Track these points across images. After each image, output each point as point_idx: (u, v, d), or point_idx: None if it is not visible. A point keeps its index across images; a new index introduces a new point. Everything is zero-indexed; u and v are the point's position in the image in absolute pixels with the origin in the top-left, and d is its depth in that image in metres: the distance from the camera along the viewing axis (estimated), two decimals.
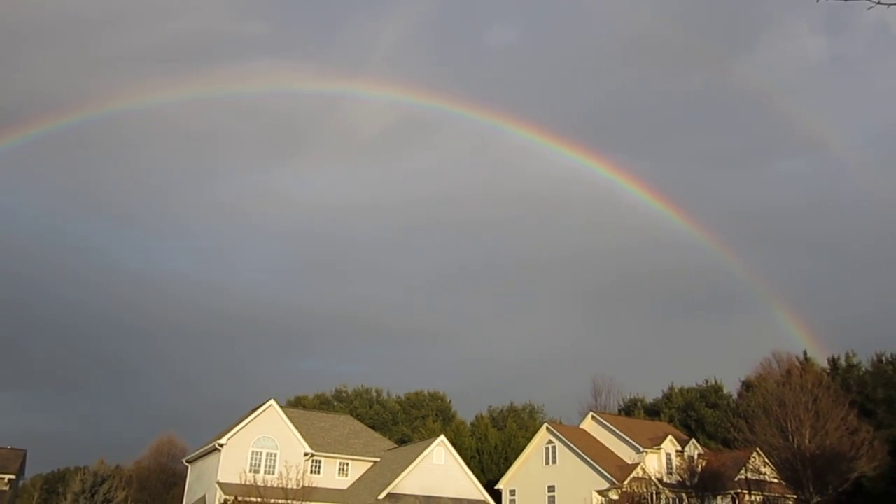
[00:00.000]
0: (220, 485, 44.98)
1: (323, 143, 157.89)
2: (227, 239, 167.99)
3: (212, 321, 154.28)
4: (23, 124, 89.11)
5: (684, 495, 47.82)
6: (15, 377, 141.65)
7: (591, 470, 51.52)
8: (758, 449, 47.93)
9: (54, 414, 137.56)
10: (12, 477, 45.55)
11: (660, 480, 49.26)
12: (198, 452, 52.72)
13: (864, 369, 63.41)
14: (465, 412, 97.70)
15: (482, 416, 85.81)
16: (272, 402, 49.38)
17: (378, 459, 52.51)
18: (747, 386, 70.64)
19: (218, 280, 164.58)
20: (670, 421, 70.82)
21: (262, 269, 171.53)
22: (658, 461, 52.35)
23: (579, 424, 60.00)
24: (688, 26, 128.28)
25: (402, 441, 71.14)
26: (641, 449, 52.60)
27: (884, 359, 61.86)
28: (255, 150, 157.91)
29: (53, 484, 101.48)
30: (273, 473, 46.01)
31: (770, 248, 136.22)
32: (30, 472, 64.66)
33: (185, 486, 55.91)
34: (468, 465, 51.98)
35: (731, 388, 77.39)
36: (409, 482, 46.32)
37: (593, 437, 56.71)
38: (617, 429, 55.87)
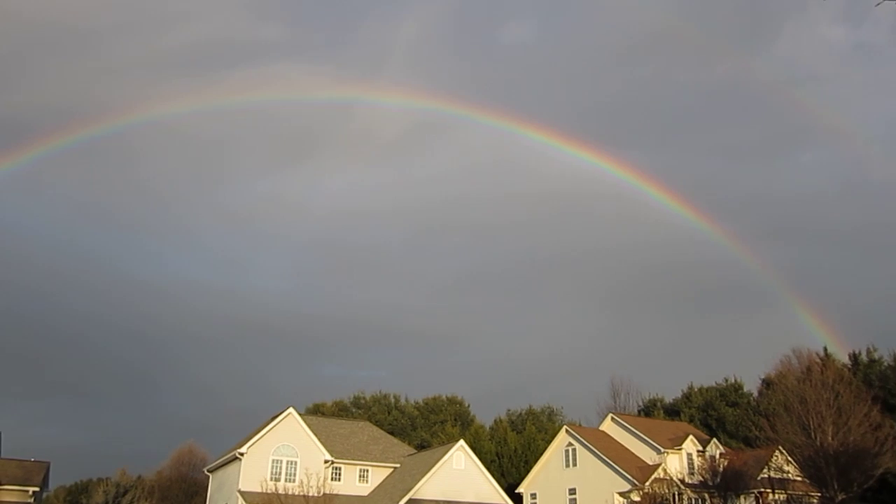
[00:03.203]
0: (242, 493, 45.15)
1: (339, 148, 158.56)
2: (243, 246, 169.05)
3: (229, 329, 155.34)
4: (37, 139, 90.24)
5: (707, 495, 47.47)
6: (37, 389, 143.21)
7: (611, 471, 51.27)
8: (780, 447, 47.52)
9: (75, 425, 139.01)
10: (36, 489, 45.89)
11: (681, 481, 48.95)
12: (218, 462, 52.95)
13: (885, 364, 62.75)
14: (484, 416, 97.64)
15: (501, 420, 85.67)
16: (291, 409, 49.53)
17: (398, 465, 52.53)
18: (767, 383, 69.99)
19: (234, 288, 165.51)
20: (690, 421, 70.39)
21: (278, 276, 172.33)
22: (679, 461, 52.03)
23: (599, 426, 59.76)
24: (708, 18, 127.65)
25: (421, 446, 71.11)
26: (662, 449, 52.32)
27: None
28: (270, 157, 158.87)
29: (77, 495, 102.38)
30: (294, 481, 46.13)
31: (791, 241, 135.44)
32: (53, 484, 65.37)
33: (206, 495, 56.16)
34: (488, 469, 51.89)
35: (752, 386, 76.94)
36: (429, 487, 46.30)
37: (613, 439, 56.46)
38: (637, 430, 55.59)
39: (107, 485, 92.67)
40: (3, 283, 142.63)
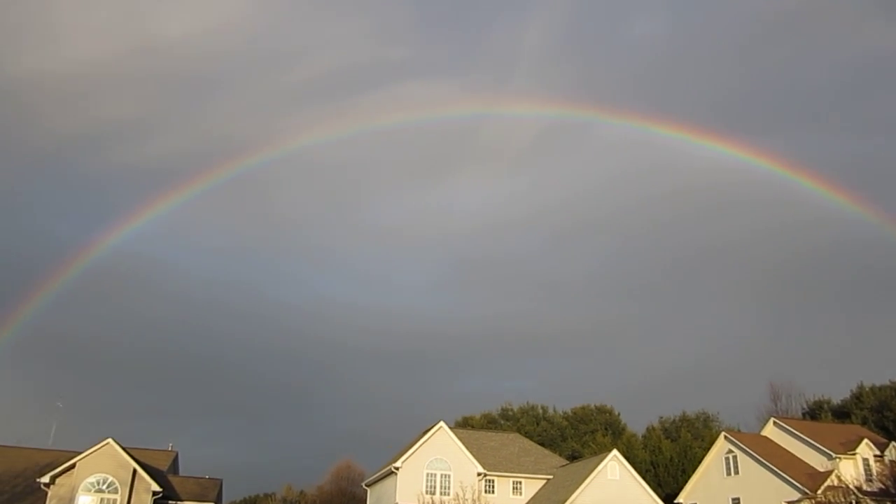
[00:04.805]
0: None
1: (472, 161, 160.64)
2: (385, 265, 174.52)
3: (377, 346, 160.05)
4: (184, 182, 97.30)
5: None
6: (207, 411, 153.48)
7: (777, 479, 48.49)
8: None
9: (243, 444, 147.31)
10: None
11: (858, 489, 45.50)
12: (375, 476, 54.63)
13: None
14: (635, 424, 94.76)
15: (654, 428, 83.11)
16: (442, 423, 50.40)
17: (550, 477, 52.16)
18: None
19: (381, 305, 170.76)
20: (863, 423, 65.45)
21: (422, 291, 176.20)
22: (854, 467, 48.47)
23: (760, 431, 56.78)
24: None
25: (572, 457, 70.24)
26: (833, 455, 48.94)
27: None
28: (405, 177, 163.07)
29: None
30: (448, 494, 46.89)
31: None
32: (225, 500, 69.58)
33: None
34: (643, 478, 50.60)
35: None
36: (584, 498, 45.67)
37: (777, 445, 53.42)
38: (803, 434, 52.32)
39: (273, 500, 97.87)
40: (167, 319, 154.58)
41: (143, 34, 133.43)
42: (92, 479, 44.71)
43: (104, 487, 44.77)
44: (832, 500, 44.08)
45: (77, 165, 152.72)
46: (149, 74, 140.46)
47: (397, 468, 48.15)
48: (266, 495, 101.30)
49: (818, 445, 50.43)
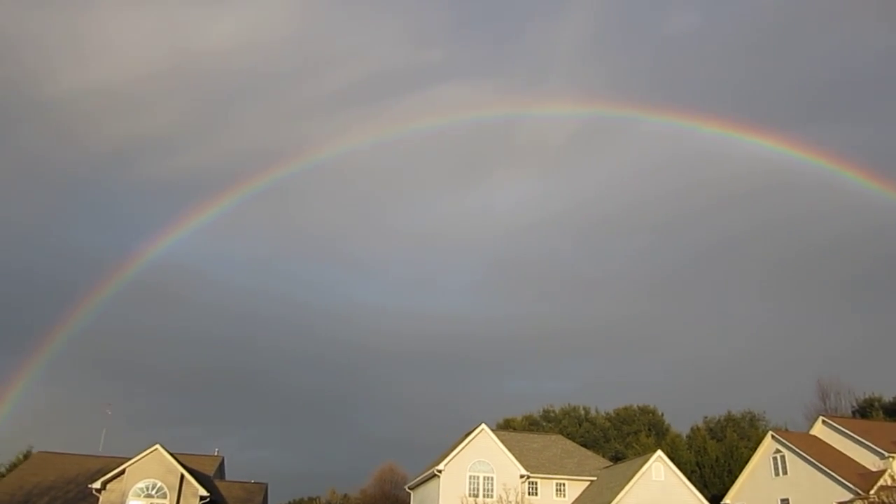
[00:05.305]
0: None
1: (510, 161, 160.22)
2: (425, 268, 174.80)
3: (417, 349, 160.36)
4: (236, 183, 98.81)
5: None
6: (250, 416, 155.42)
7: (828, 480, 47.45)
8: None
9: (286, 448, 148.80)
10: None
11: None
12: (418, 479, 54.81)
13: None
14: (679, 424, 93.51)
15: (698, 428, 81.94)
16: (483, 426, 50.38)
17: (594, 478, 51.78)
18: None
19: (420, 309, 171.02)
20: None
21: (461, 294, 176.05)
22: None
23: (808, 430, 55.63)
24: None
25: (615, 458, 69.61)
26: (886, 454, 47.71)
27: None
28: (444, 178, 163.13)
29: None
30: (491, 497, 46.86)
31: None
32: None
33: None
34: (689, 479, 49.96)
35: None
36: (628, 500, 45.26)
37: (826, 444, 52.28)
38: (853, 433, 51.11)
39: None
40: (206, 329, 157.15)
41: (175, 49, 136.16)
42: (141, 484, 45.65)
43: (153, 492, 45.67)
44: (885, 500, 42.95)
45: (112, 181, 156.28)
46: (181, 89, 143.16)
47: (440, 471, 48.25)
48: (311, 499, 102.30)
49: (870, 444, 49.22)
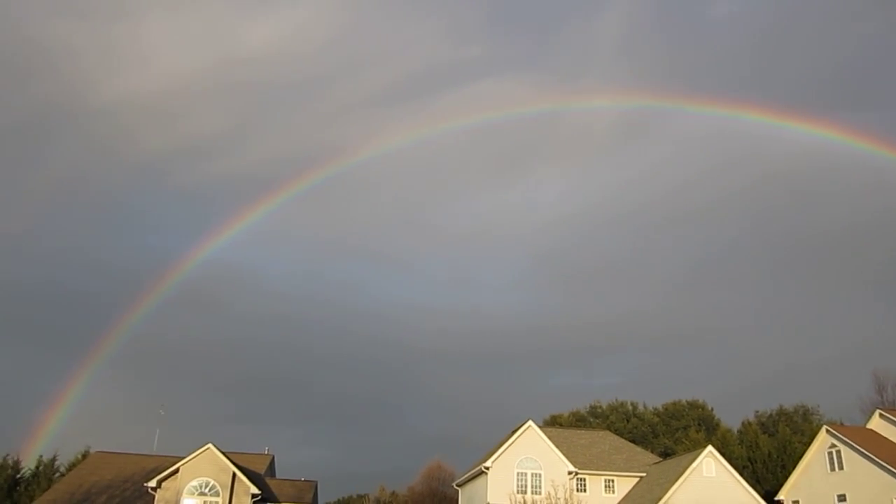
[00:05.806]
0: None
1: (552, 155, 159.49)
2: (469, 265, 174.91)
3: (463, 347, 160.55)
4: (278, 188, 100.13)
5: None
6: (301, 414, 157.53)
7: (886, 475, 46.16)
8: None
9: (335, 446, 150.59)
10: None
11: None
12: (466, 476, 54.88)
13: None
14: (729, 419, 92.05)
15: (749, 423, 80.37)
16: (530, 422, 50.20)
17: (643, 474, 51.25)
18: None
19: (462, 305, 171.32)
20: None
21: (506, 290, 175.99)
22: None
23: (865, 424, 54.17)
24: None
25: (664, 454, 68.79)
26: None
27: None
28: (486, 174, 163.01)
29: None
30: (540, 493, 46.69)
31: None
32: (321, 501, 71.21)
33: None
34: (740, 475, 49.09)
35: None
36: (679, 496, 44.68)
37: (884, 438, 50.85)
38: None
39: (367, 501, 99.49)
40: (255, 336, 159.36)
41: (227, 47, 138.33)
42: (195, 482, 46.61)
43: (206, 490, 46.59)
44: None
45: (171, 179, 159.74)
46: (220, 97, 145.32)
47: (487, 468, 48.24)
48: (360, 496, 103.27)
49: None
